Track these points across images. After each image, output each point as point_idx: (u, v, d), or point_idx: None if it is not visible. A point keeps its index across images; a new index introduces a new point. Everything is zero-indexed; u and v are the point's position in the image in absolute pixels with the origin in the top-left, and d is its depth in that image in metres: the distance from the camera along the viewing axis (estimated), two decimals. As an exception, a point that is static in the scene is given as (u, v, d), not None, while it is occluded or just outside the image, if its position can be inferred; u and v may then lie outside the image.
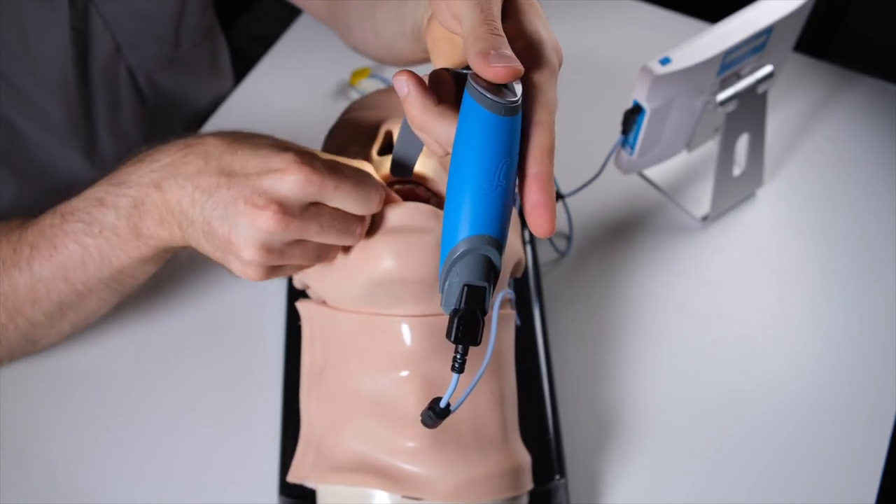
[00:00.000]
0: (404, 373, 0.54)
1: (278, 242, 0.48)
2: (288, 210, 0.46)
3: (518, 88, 0.39)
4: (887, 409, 0.71)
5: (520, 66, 0.38)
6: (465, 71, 0.42)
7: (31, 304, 0.57)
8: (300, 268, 0.53)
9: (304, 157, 0.47)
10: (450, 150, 0.41)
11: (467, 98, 0.39)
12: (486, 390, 0.56)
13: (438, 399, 0.42)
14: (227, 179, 0.48)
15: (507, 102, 0.38)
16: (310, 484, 0.57)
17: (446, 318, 0.53)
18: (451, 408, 0.42)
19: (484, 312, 0.40)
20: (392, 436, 0.54)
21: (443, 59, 0.48)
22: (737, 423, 0.70)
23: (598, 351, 0.74)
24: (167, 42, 0.79)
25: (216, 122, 0.89)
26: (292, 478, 0.58)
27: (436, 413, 0.42)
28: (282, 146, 0.49)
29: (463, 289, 0.40)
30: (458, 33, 0.42)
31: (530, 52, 0.41)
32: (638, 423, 0.70)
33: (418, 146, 0.50)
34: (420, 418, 0.43)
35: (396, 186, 0.55)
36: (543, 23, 0.44)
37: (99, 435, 0.67)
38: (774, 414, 0.71)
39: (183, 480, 0.65)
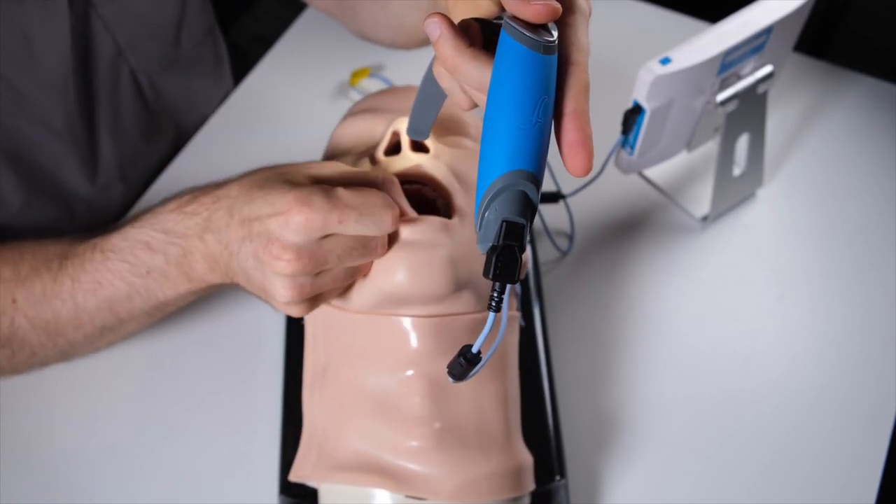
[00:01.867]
0: (409, 372, 0.54)
1: (305, 280, 0.49)
2: (302, 251, 0.47)
3: (554, 31, 0.39)
4: (887, 409, 0.72)
5: (558, 6, 0.38)
6: (495, 20, 0.42)
7: (74, 329, 0.58)
8: (340, 289, 0.53)
9: (304, 196, 0.47)
10: (477, 98, 0.42)
11: (505, 38, 0.39)
12: (489, 391, 0.56)
13: (469, 346, 0.41)
14: (248, 231, 0.49)
15: (545, 41, 0.38)
16: (312, 483, 0.57)
17: (452, 319, 0.53)
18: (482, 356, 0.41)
19: (522, 249, 0.39)
20: (395, 435, 0.54)
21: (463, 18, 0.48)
22: (737, 423, 0.71)
23: (598, 351, 0.74)
24: (168, 43, 0.79)
25: (216, 122, 0.89)
26: (294, 477, 0.58)
27: (467, 359, 0.41)
28: (291, 183, 0.49)
29: (501, 225, 0.39)
30: None
31: None
32: (638, 423, 0.70)
33: (438, 101, 0.49)
34: (447, 369, 0.42)
35: (404, 186, 0.55)
36: None
37: (99, 435, 0.67)
38: (774, 414, 0.71)
39: (183, 480, 0.65)
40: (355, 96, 0.90)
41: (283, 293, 0.49)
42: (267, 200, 0.49)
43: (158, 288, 0.55)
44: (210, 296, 0.74)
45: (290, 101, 0.91)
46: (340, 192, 0.48)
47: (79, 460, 0.66)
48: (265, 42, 0.97)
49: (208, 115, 0.90)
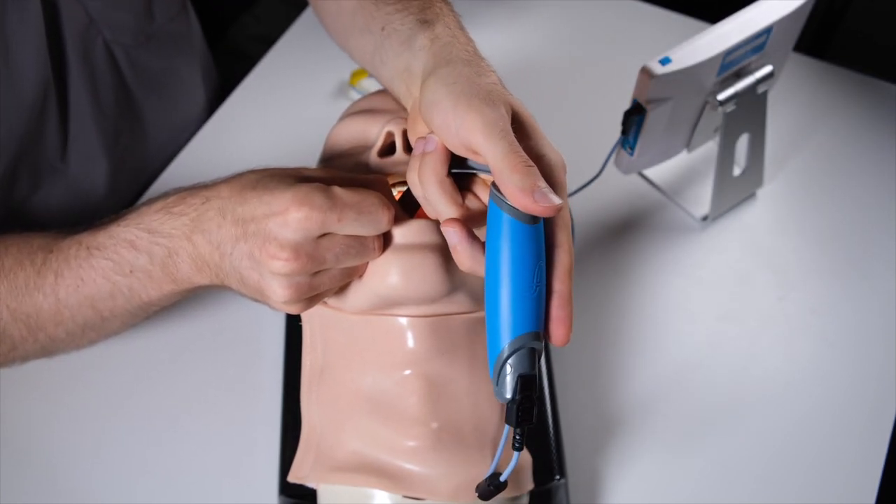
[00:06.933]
0: (406, 372, 0.54)
1: (302, 279, 0.49)
2: (299, 250, 0.47)
3: None
4: (887, 409, 0.72)
5: (559, 202, 0.42)
6: (460, 171, 0.47)
7: (55, 325, 0.58)
8: (336, 289, 0.53)
9: (302, 195, 0.47)
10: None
11: (495, 209, 0.43)
12: (486, 390, 0.56)
13: (497, 474, 0.46)
14: (242, 231, 0.49)
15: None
16: (310, 484, 0.57)
17: (449, 318, 0.53)
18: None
19: (536, 394, 0.44)
20: (393, 435, 0.54)
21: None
22: (737, 423, 0.71)
23: (598, 351, 0.74)
24: (140, 14, 0.78)
25: (216, 121, 0.89)
26: (293, 478, 0.58)
27: (496, 487, 0.46)
28: (286, 182, 0.49)
29: (517, 380, 0.44)
30: (455, 151, 0.47)
31: (547, 177, 0.45)
32: (638, 423, 0.70)
33: None
34: (476, 491, 0.47)
35: (398, 189, 0.55)
36: (547, 142, 0.47)
37: (99, 434, 0.67)
38: (774, 414, 0.71)
39: (183, 480, 0.65)
40: (355, 96, 0.90)
41: (279, 293, 0.49)
42: (262, 201, 0.48)
43: (142, 287, 0.55)
44: (210, 296, 0.74)
45: (290, 101, 0.91)
46: (338, 190, 0.48)
47: (78, 460, 0.66)
48: (265, 42, 0.97)
49: (193, 98, 0.89)
